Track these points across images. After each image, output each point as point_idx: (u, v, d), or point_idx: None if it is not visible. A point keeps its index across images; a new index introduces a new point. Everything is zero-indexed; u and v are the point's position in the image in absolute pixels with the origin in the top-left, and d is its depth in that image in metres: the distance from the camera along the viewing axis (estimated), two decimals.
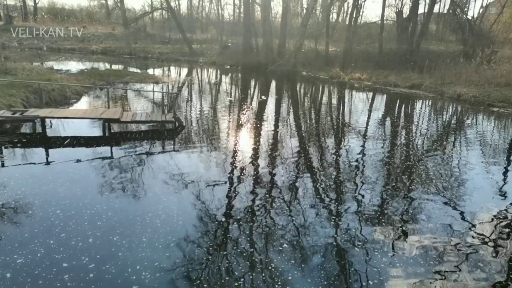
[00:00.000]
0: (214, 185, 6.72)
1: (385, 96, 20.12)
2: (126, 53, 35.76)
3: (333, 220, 5.65)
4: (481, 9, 34.59)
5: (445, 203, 6.43)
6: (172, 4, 46.14)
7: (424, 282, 4.24)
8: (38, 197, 5.81)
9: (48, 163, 7.59)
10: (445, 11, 38.78)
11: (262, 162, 8.31)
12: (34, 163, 7.40)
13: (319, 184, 7.20)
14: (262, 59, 30.66)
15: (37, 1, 53.00)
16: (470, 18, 31.77)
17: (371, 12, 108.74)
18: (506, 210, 6.32)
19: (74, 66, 24.99)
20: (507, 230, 5.66)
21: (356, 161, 8.77)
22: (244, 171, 7.63)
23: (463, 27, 29.20)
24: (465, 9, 34.15)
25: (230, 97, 18.19)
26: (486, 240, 5.27)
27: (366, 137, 11.16)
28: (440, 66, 22.51)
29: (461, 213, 6.10)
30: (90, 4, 57.39)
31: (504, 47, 27.35)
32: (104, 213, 5.43)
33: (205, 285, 4.02)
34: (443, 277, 4.34)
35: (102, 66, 26.73)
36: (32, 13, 51.53)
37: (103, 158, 7.96)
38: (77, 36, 39.16)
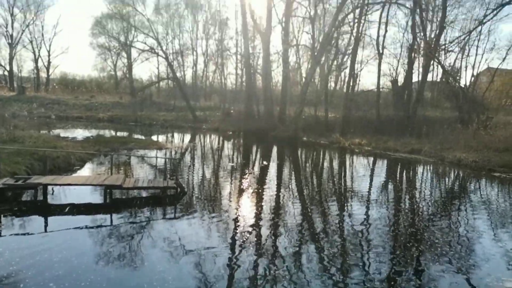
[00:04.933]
0: (214, 254, 6.49)
1: (385, 161, 20.26)
2: (132, 121, 36.87)
3: None
4: (473, 78, 36.27)
5: (456, 273, 6.14)
6: (178, 74, 48.78)
7: None
8: (32, 268, 5.60)
9: (46, 232, 7.44)
10: (438, 79, 40.67)
11: (264, 229, 8.12)
12: (32, 233, 7.25)
13: (323, 252, 6.95)
14: (263, 125, 31.50)
15: (50, 73, 56.19)
16: (462, 86, 33.19)
17: (367, 80, 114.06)
18: None
19: (80, 133, 25.65)
20: None
21: (361, 228, 8.56)
22: (246, 239, 7.43)
23: (457, 94, 30.36)
24: (457, 78, 35.79)
25: (232, 162, 18.35)
26: None
27: (370, 202, 11.02)
28: (438, 132, 22.97)
29: (475, 284, 5.79)
30: (100, 75, 60.54)
31: (498, 113, 28.16)
32: (99, 284, 5.19)
33: None
34: None
35: (108, 133, 27.43)
36: (44, 83, 54.34)
37: (102, 226, 7.82)
38: (85, 105, 40.78)
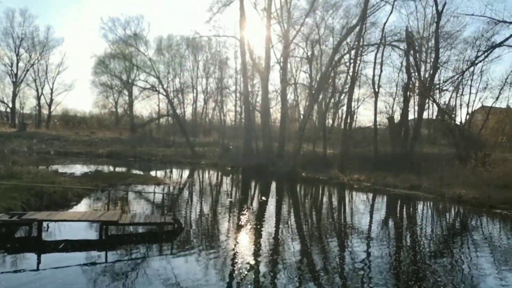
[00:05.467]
0: None
1: (385, 197, 20.11)
2: (131, 156, 36.91)
3: None
4: (468, 116, 36.86)
5: None
6: (178, 111, 49.53)
7: None
8: None
9: (38, 269, 7.24)
10: (434, 117, 41.31)
11: (263, 267, 7.92)
12: (24, 270, 7.06)
13: None
14: (262, 161, 31.54)
15: (52, 110, 56.93)
16: (458, 123, 33.65)
17: (364, 117, 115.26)
18: None
19: (78, 169, 25.59)
20: None
21: (361, 265, 8.35)
22: (244, 276, 7.22)
23: (453, 132, 30.71)
24: (453, 115, 36.37)
25: (231, 198, 18.18)
26: None
27: (370, 239, 10.82)
28: (436, 168, 23.00)
29: None
30: (101, 112, 61.37)
31: (495, 150, 28.34)
32: None
33: None
34: None
35: (106, 168, 27.37)
36: (45, 120, 54.91)
37: (96, 263, 7.62)
38: (85, 140, 41.02)
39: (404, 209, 17.44)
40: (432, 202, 18.64)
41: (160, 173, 26.97)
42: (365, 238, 10.93)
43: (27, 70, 53.00)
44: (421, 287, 7.12)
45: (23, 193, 12.21)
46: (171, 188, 19.78)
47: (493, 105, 33.36)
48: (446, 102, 37.20)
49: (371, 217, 14.42)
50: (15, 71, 52.58)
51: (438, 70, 32.01)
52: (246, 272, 7.48)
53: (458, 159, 24.87)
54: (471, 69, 31.05)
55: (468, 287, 7.27)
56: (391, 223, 13.75)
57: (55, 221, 9.81)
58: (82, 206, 13.71)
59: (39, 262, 7.78)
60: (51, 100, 56.08)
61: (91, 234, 10.01)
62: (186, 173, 29.39)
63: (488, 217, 15.23)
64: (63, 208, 12.63)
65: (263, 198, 17.87)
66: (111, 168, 27.60)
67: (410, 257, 9.37)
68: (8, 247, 8.37)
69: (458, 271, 8.33)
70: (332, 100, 38.65)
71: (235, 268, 7.76)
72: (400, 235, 11.84)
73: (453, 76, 30.35)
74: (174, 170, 30.16)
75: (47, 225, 10.15)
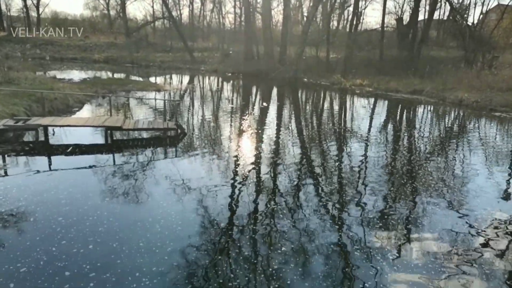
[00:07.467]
0: (216, 191, 6.70)
1: (386, 102, 20.13)
2: (128, 62, 36.01)
3: (336, 225, 5.62)
4: (481, 15, 34.71)
5: (448, 207, 6.39)
6: (174, 13, 46.72)
7: (427, 285, 4.19)
8: (40, 204, 5.81)
9: (50, 170, 7.60)
10: (445, 18, 39.00)
11: (264, 168, 8.30)
12: (37, 171, 7.41)
13: (321, 189, 7.17)
14: (263, 66, 30.81)
15: (40, 12, 53.67)
16: (470, 24, 31.90)
17: (371, 19, 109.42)
18: (510, 212, 6.26)
19: (76, 75, 25.18)
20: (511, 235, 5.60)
21: (358, 166, 8.75)
22: (246, 177, 7.62)
23: (464, 33, 29.30)
24: (465, 16, 34.28)
25: (232, 104, 18.24)
26: (490, 244, 5.22)
27: (368, 142, 11.14)
28: (441, 72, 22.53)
29: (465, 217, 6.05)
30: (93, 15, 57.91)
31: (505, 53, 27.38)
32: (105, 219, 5.42)
33: None
34: (446, 283, 4.29)
35: (104, 74, 26.92)
36: (35, 23, 52.12)
37: (105, 166, 7.98)
38: (79, 45, 39.54)
39: (404, 114, 17.60)
40: (433, 106, 18.71)
41: (159, 80, 26.61)
42: (364, 142, 11.24)
43: None
44: (413, 185, 7.55)
45: (24, 99, 12.22)
46: (172, 94, 19.72)
47: (509, 3, 31.16)
48: (460, 0, 34.74)
49: (371, 122, 14.62)
50: None
51: None
52: (247, 173, 7.86)
53: (465, 62, 24.23)
54: None
55: (458, 185, 7.70)
56: (390, 127, 14.00)
57: (60, 126, 9.99)
58: (85, 112, 13.84)
59: (50, 164, 8.13)
60: (38, 0, 52.49)
61: (97, 138, 10.28)
62: (185, 79, 28.99)
63: (487, 120, 15.44)
64: (66, 114, 12.77)
65: (264, 104, 17.90)
66: (109, 74, 27.15)
67: (405, 158, 9.75)
68: (18, 150, 8.68)
69: (450, 170, 8.74)
70: (338, 0, 36.06)
71: (237, 169, 8.14)
72: (398, 138, 12.14)
73: None
74: (173, 76, 29.70)
75: (53, 130, 10.38)
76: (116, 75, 26.96)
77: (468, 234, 5.46)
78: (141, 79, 25.62)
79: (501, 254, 4.96)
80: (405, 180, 7.85)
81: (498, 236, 5.47)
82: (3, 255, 4.48)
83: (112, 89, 18.59)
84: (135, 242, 4.82)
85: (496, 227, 5.73)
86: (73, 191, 6.41)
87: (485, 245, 5.18)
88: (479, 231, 5.58)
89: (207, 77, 30.07)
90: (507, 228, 5.74)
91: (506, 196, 7.13)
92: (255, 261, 4.57)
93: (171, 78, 28.90)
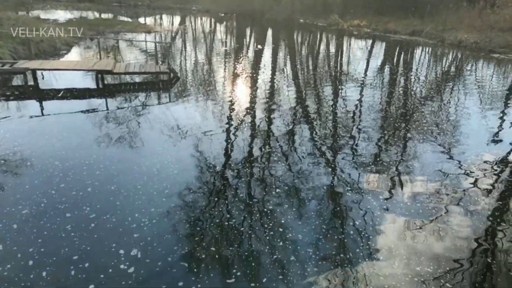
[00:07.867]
0: (210, 135, 6.73)
1: (384, 43, 19.61)
2: (115, 1, 34.12)
3: (329, 167, 5.75)
4: None
5: (439, 149, 6.52)
6: None
7: (416, 224, 4.41)
8: (35, 148, 5.83)
9: (43, 115, 7.52)
10: None
11: (259, 112, 8.27)
12: (29, 116, 7.33)
13: (315, 133, 7.23)
14: (258, 6, 29.42)
15: None
16: None
17: None
18: (498, 155, 6.43)
19: (61, 15, 23.93)
20: (498, 174, 5.79)
21: (353, 110, 8.74)
22: (241, 121, 7.62)
23: None
24: None
25: (225, 46, 17.68)
26: (478, 183, 5.41)
27: (364, 86, 11.03)
28: (442, 12, 21.70)
29: (454, 158, 6.20)
30: None
31: None
32: (102, 163, 5.48)
33: (203, 230, 4.16)
34: (435, 221, 4.51)
35: (91, 15, 25.62)
36: None
37: (98, 110, 7.89)
38: None
39: (402, 56, 17.24)
40: (432, 47, 18.30)
41: (149, 20, 25.44)
42: (359, 85, 11.13)
43: None
44: (406, 128, 7.62)
45: (8, 41, 11.71)
46: (163, 36, 18.98)
47: None
48: None
49: (367, 64, 14.36)
50: None
51: None
52: (242, 117, 7.85)
53: (467, 1, 23.27)
54: None
55: (450, 126, 7.79)
56: (386, 70, 13.79)
57: (49, 69, 9.70)
58: (73, 55, 13.39)
59: (42, 108, 8.02)
60: None
61: (88, 83, 10.05)
62: (176, 19, 27.74)
63: (485, 62, 15.23)
64: (53, 57, 12.36)
65: (259, 46, 17.37)
66: (96, 15, 25.83)
67: (400, 101, 9.74)
68: (7, 94, 8.50)
69: (444, 112, 8.79)
70: None
71: (232, 113, 8.11)
72: (394, 81, 12.02)
73: None
74: (164, 17, 28.38)
75: (42, 73, 10.10)
76: (103, 15, 25.68)
77: (457, 175, 5.64)
78: (129, 19, 24.47)
79: (486, 193, 5.16)
80: (398, 124, 7.90)
81: (485, 176, 5.66)
82: (4, 198, 4.57)
83: (100, 30, 17.81)
84: (132, 185, 4.93)
85: (484, 169, 5.91)
86: (68, 135, 6.40)
87: (473, 184, 5.38)
88: (468, 172, 5.76)
89: (199, 18, 28.79)
90: (493, 169, 5.93)
91: (496, 139, 7.26)
92: (251, 202, 4.73)
93: (161, 18, 27.63)
